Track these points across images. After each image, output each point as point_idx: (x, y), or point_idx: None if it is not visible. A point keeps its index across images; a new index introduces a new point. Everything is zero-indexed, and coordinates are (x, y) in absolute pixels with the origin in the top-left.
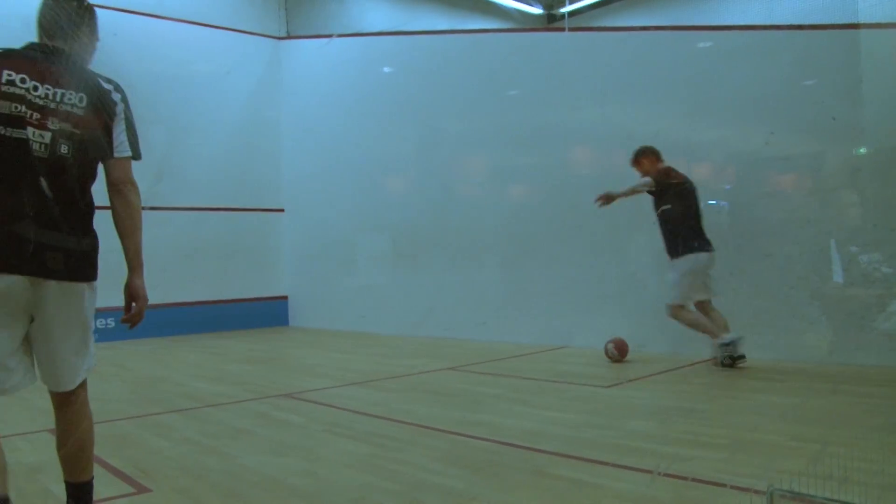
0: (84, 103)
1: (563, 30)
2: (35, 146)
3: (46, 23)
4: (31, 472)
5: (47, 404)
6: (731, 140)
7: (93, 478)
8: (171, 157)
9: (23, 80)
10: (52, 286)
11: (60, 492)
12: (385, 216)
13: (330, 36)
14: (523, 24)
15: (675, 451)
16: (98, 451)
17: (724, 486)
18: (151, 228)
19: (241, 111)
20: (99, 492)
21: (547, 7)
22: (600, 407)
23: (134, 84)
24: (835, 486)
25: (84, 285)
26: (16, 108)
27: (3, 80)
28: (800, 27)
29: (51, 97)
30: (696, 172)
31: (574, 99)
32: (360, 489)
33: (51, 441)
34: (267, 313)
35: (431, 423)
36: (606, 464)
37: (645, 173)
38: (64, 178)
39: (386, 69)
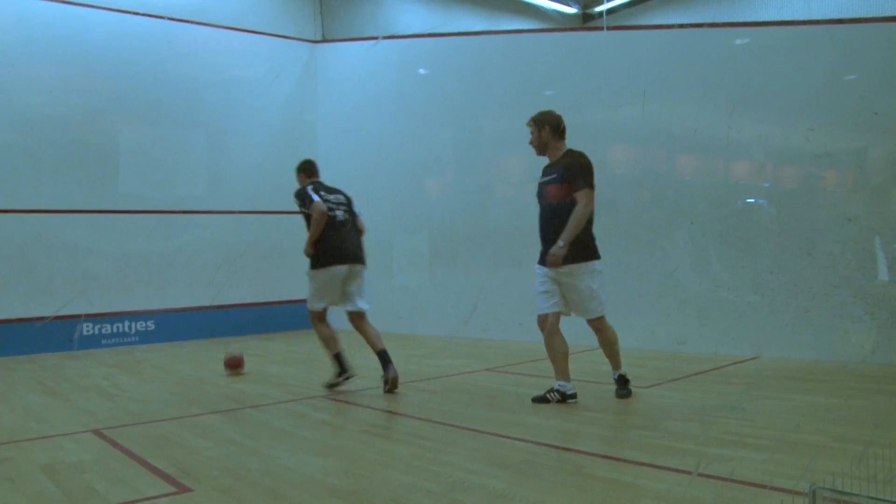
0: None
1: (601, 29)
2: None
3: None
4: (76, 470)
5: (92, 405)
6: (770, 137)
7: None
8: (212, 161)
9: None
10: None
11: (104, 490)
12: (423, 217)
13: (375, 38)
14: (559, 23)
15: (715, 452)
16: (140, 450)
17: (765, 486)
18: (193, 232)
19: (279, 115)
20: (140, 491)
21: (583, 6)
22: (639, 407)
23: (176, 89)
24: (879, 487)
25: None
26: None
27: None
28: (840, 21)
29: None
30: (736, 170)
31: (612, 98)
32: (400, 489)
33: (94, 441)
34: (305, 315)
35: (471, 423)
36: (646, 464)
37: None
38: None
39: (422, 71)
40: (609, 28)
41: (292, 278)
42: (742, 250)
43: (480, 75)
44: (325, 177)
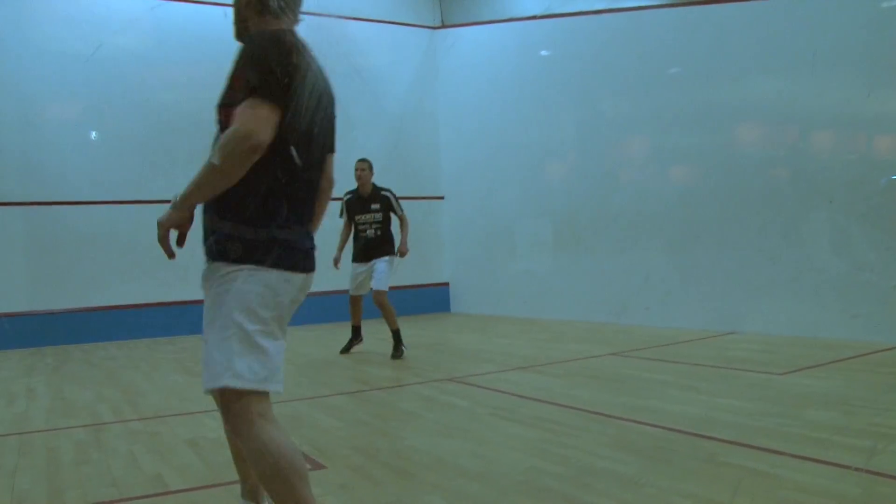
0: None
1: (722, 1)
2: None
3: None
4: (217, 445)
5: None
6: None
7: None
8: (337, 149)
9: None
10: None
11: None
12: (546, 201)
13: (494, 22)
14: None
15: (862, 444)
16: None
17: None
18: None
19: (400, 102)
20: None
21: None
22: (776, 394)
23: None
24: None
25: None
26: None
27: None
28: None
29: None
30: (882, 146)
31: (740, 73)
32: (528, 472)
33: None
34: (429, 300)
35: (598, 408)
36: (786, 454)
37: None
38: None
39: (543, 53)
40: None
41: (418, 262)
42: (888, 231)
43: (602, 55)
44: (448, 163)
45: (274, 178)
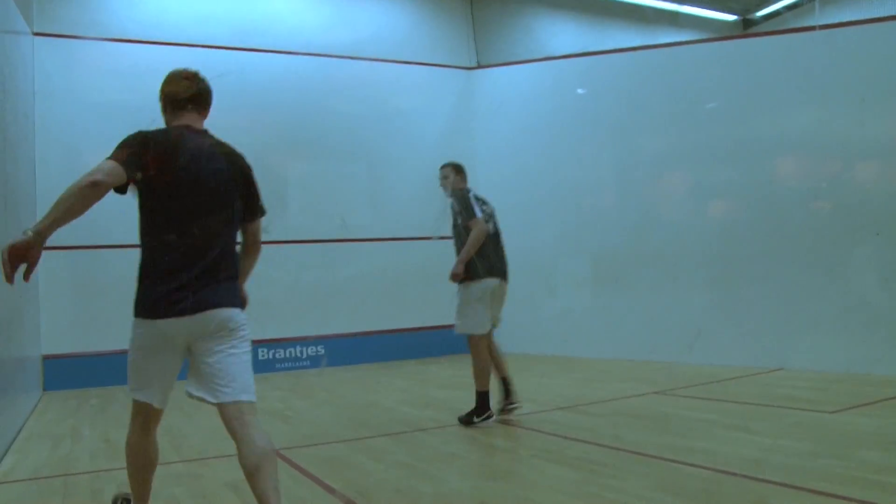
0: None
1: (813, 28)
2: None
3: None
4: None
5: (269, 427)
6: None
7: None
8: (373, 190)
9: None
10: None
11: None
12: (584, 239)
13: (530, 61)
14: (718, 32)
15: None
16: (316, 471)
17: None
18: (357, 260)
19: (437, 142)
20: None
21: (742, 13)
22: (827, 434)
23: (336, 123)
24: None
25: None
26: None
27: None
28: None
29: None
30: None
31: (779, 106)
32: None
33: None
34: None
35: (642, 448)
36: (841, 497)
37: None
38: None
39: (579, 91)
40: (821, 27)
41: (451, 302)
42: None
43: (638, 92)
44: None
45: (147, 245)
